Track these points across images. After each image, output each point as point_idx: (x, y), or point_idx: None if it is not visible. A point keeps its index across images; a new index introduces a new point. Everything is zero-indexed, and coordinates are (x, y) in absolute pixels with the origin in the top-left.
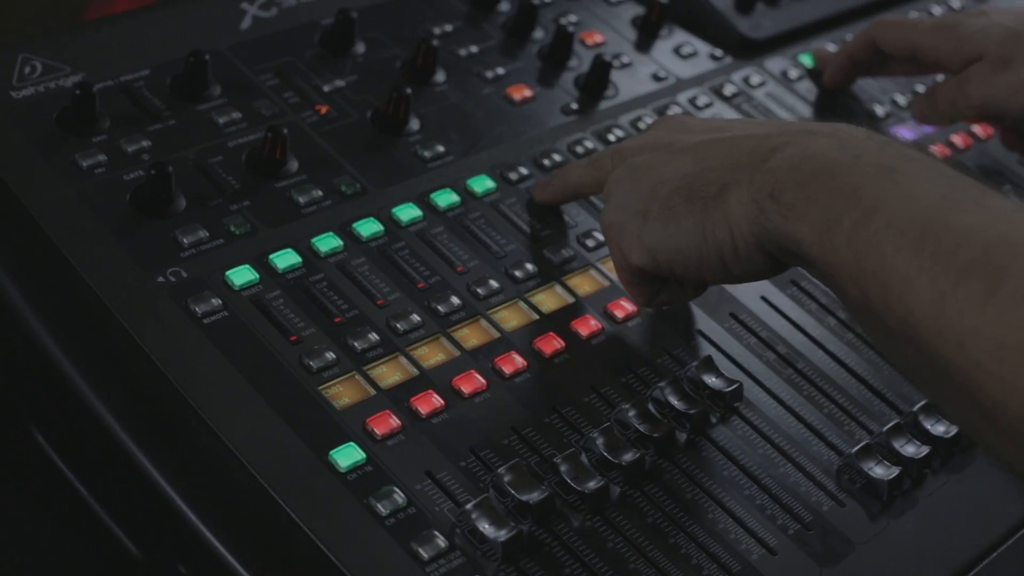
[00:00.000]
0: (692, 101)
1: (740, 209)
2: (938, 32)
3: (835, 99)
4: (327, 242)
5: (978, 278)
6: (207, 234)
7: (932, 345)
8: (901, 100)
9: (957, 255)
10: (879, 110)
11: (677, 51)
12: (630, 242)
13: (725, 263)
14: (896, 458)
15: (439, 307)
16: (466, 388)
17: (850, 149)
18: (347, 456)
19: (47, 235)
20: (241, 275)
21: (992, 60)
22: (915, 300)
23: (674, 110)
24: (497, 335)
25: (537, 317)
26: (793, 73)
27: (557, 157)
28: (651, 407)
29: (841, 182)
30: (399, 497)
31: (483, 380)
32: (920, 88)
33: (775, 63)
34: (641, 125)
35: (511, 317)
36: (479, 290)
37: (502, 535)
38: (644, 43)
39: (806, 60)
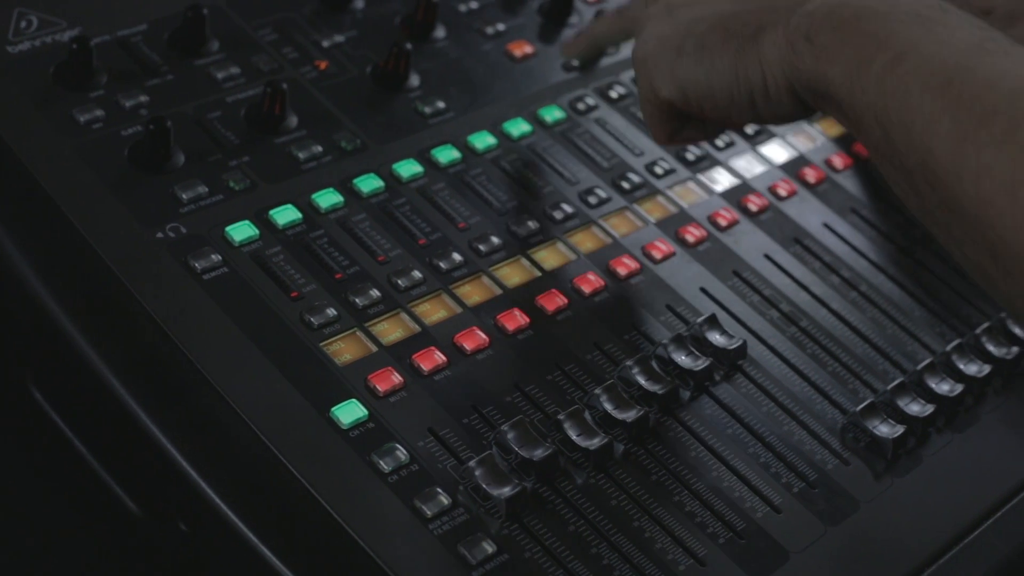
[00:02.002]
0: None
1: (774, 50)
2: None
3: None
4: (327, 198)
5: (1000, 120)
6: (206, 190)
7: (947, 183)
8: None
9: (982, 98)
10: None
11: None
12: (662, 76)
13: (755, 103)
14: (901, 416)
15: (440, 263)
16: (468, 345)
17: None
18: (349, 413)
19: (45, 191)
20: (241, 231)
21: (999, 16)
22: (935, 139)
23: None
24: (499, 291)
25: (539, 274)
26: None
27: (558, 114)
28: (655, 364)
29: (876, 26)
30: (402, 454)
31: (485, 337)
32: None
33: None
34: None
35: (513, 274)
36: (481, 247)
37: (505, 492)
38: None
39: None
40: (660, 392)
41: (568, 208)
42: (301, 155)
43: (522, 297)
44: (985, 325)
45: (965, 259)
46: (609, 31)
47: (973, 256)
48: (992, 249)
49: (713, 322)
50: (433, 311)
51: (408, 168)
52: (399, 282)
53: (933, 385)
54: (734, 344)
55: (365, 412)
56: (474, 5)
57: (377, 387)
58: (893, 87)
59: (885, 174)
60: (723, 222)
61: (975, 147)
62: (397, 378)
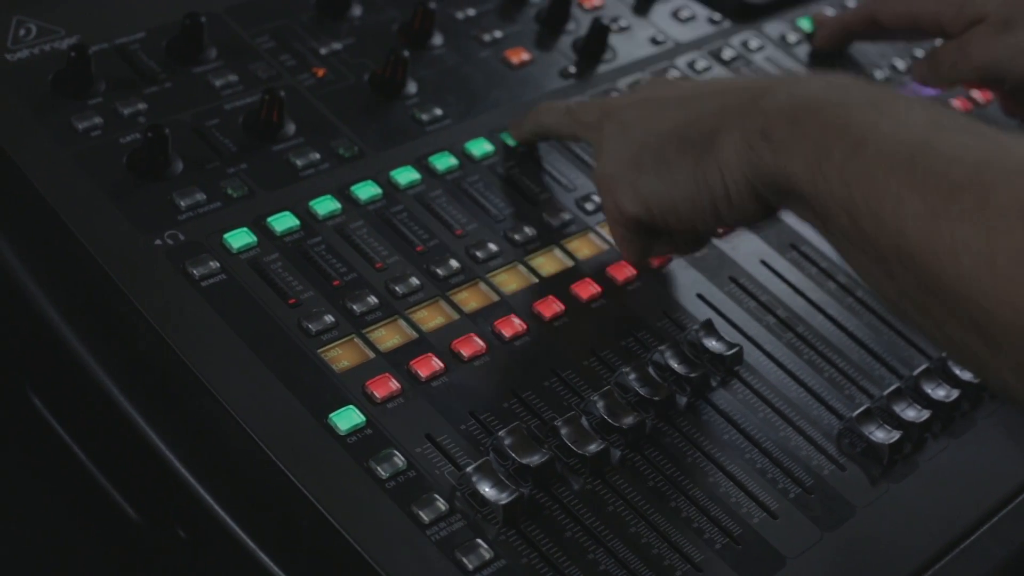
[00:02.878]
0: (691, 65)
1: (732, 152)
2: None
3: (833, 64)
4: (325, 205)
5: (969, 193)
6: (204, 197)
7: (924, 263)
8: (900, 65)
9: (948, 174)
10: (878, 74)
11: (675, 15)
12: (624, 194)
13: (718, 210)
14: (897, 422)
15: (438, 270)
16: (466, 351)
17: (838, 88)
18: (347, 419)
19: (43, 198)
20: (239, 238)
21: (994, 22)
22: (906, 220)
23: (672, 74)
24: (496, 298)
25: (536, 280)
26: (792, 37)
27: None
28: (651, 370)
29: (831, 117)
30: (399, 460)
31: (483, 343)
32: (919, 53)
33: (773, 27)
34: None
35: (510, 280)
36: (478, 253)
37: (503, 498)
38: (642, 7)
39: (805, 24)
40: (657, 398)
41: (565, 215)
42: (299, 162)
43: (519, 304)
44: None
45: (948, 341)
46: (557, 127)
47: (957, 336)
48: (977, 325)
49: (709, 328)
50: (430, 318)
51: (405, 175)
52: (396, 289)
53: (929, 391)
54: (730, 350)
55: (363, 418)
56: (471, 12)
57: (375, 393)
58: (857, 173)
59: (855, 265)
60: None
61: (948, 223)
62: (395, 384)
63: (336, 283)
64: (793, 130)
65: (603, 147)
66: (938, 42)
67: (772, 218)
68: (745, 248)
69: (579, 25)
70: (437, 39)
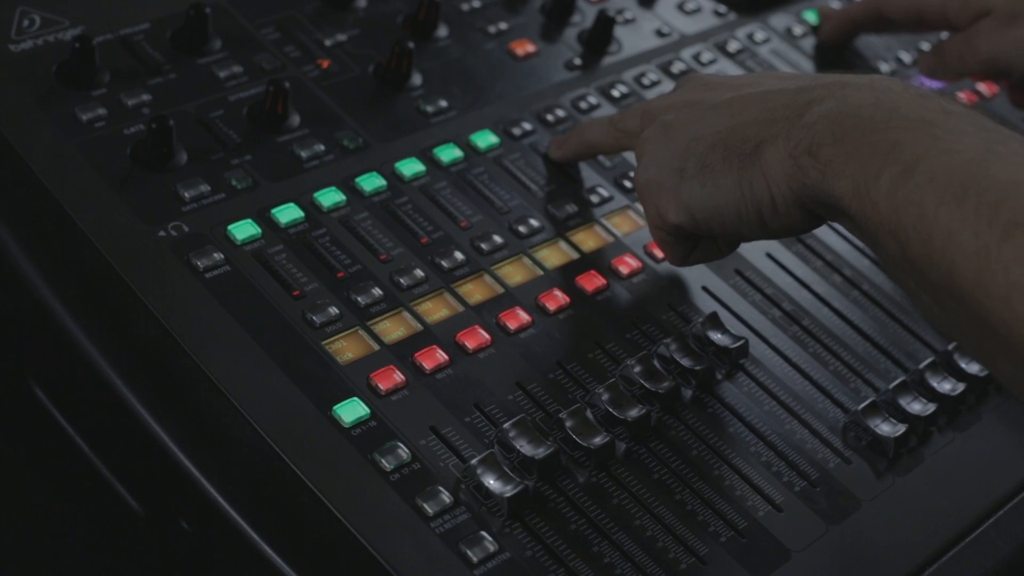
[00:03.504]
0: (696, 57)
1: (778, 166)
2: None
3: (839, 56)
4: (329, 197)
5: (1023, 232)
6: (208, 188)
7: (976, 300)
8: (906, 58)
9: (1000, 209)
10: (884, 67)
11: (681, 7)
12: (667, 201)
13: (763, 219)
14: (902, 416)
15: (443, 262)
16: (470, 343)
17: (887, 103)
18: (351, 411)
19: (47, 189)
20: (243, 229)
21: (1000, 15)
22: (958, 255)
23: (678, 67)
24: (501, 290)
25: (541, 273)
26: (797, 30)
27: (560, 112)
28: (656, 363)
29: (880, 137)
30: (403, 452)
31: (487, 335)
32: (925, 46)
33: (779, 19)
34: (645, 81)
35: (515, 273)
36: (483, 245)
37: (507, 491)
38: None
39: (810, 17)
40: (662, 391)
41: (570, 207)
42: (303, 154)
43: (524, 296)
44: None
45: (1001, 374)
46: (601, 140)
47: (1009, 370)
48: None
49: (715, 321)
50: (435, 310)
51: (410, 167)
52: (401, 281)
53: (935, 384)
54: (736, 343)
55: (367, 411)
56: (476, 4)
57: (379, 386)
58: (906, 201)
59: (905, 288)
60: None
61: (1001, 264)
62: (399, 377)
63: (340, 275)
64: (840, 149)
65: (644, 152)
66: (944, 35)
67: (818, 226)
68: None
69: (584, 17)
70: (442, 31)
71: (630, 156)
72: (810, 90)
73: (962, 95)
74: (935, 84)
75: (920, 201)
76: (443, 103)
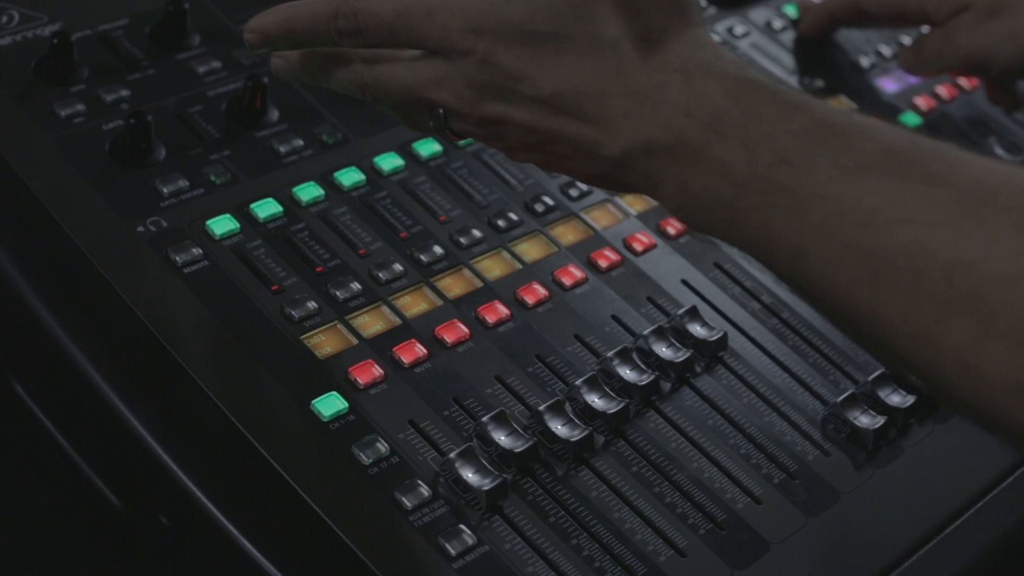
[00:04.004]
0: None
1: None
2: None
3: (819, 50)
4: (308, 191)
5: (966, 316)
6: (187, 184)
7: (930, 374)
8: (886, 51)
9: (933, 290)
10: (864, 61)
11: None
12: None
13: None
14: (881, 407)
15: (421, 256)
16: (449, 337)
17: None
18: (330, 406)
19: (26, 185)
20: (222, 224)
21: (979, 10)
22: (895, 335)
23: None
24: (480, 284)
25: (520, 267)
26: (777, 23)
27: None
28: (636, 356)
29: (743, 221)
30: (382, 446)
31: (466, 329)
32: (905, 40)
33: (759, 13)
34: None
35: (494, 267)
36: (462, 239)
37: (486, 484)
38: None
39: (790, 10)
40: (641, 384)
41: (549, 200)
42: (282, 149)
43: (503, 289)
44: None
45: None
46: None
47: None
48: (998, 430)
49: (694, 314)
50: (414, 304)
51: (389, 161)
52: (380, 275)
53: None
54: (715, 336)
55: (346, 405)
56: None
57: (358, 380)
58: (810, 280)
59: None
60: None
61: (950, 348)
62: (378, 370)
63: (319, 269)
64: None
65: None
66: (924, 29)
67: None
68: None
69: None
70: None
71: None
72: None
73: (941, 89)
74: (913, 80)
75: (830, 280)
76: None
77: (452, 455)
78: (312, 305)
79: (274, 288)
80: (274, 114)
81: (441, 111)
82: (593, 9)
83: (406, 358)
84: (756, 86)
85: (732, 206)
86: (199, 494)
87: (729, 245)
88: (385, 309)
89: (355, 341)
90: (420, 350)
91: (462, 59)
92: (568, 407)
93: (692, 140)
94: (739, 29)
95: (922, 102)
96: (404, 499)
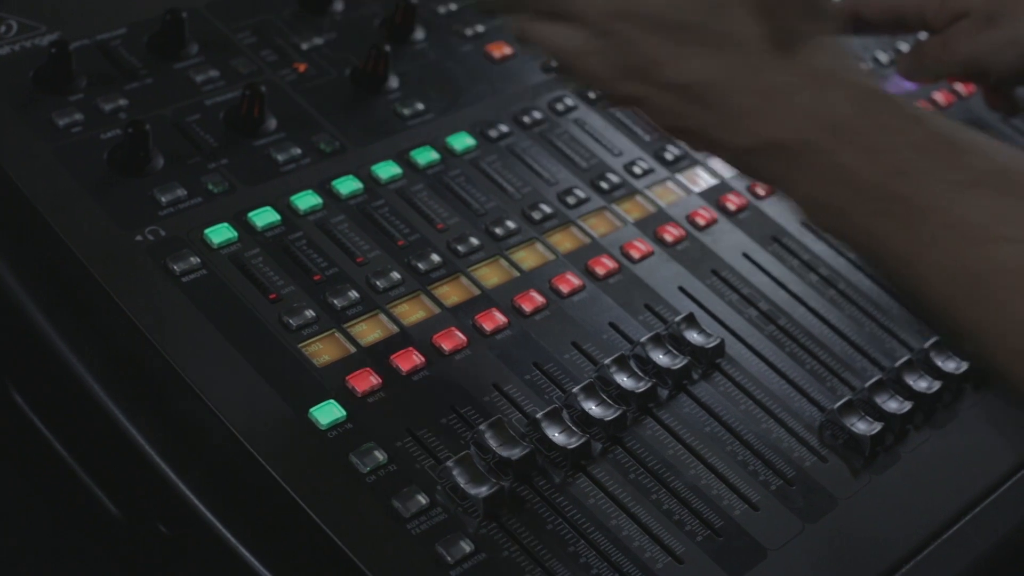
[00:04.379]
0: None
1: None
2: None
3: None
4: (306, 200)
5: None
6: (185, 192)
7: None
8: (883, 58)
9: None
10: (861, 67)
11: None
12: None
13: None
14: (878, 414)
15: (419, 264)
16: (447, 345)
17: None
18: (327, 414)
19: (24, 194)
20: (220, 233)
21: (977, 17)
22: (994, 350)
23: None
24: (477, 292)
25: (518, 274)
26: None
27: (537, 115)
28: (633, 363)
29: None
30: (380, 454)
31: (464, 337)
32: (903, 46)
33: None
34: None
35: (491, 274)
36: (459, 247)
37: (483, 491)
38: None
39: None
40: (638, 391)
41: (547, 208)
42: (280, 157)
43: (500, 297)
44: None
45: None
46: None
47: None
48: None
49: (691, 321)
50: (411, 312)
51: (387, 170)
52: (377, 283)
53: (911, 382)
54: (712, 343)
55: (343, 413)
56: (453, 7)
57: (355, 388)
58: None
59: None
60: (702, 221)
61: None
62: (375, 379)
63: (317, 278)
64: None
65: None
66: (922, 36)
67: None
68: (727, 241)
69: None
70: (419, 34)
71: (607, 158)
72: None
73: (939, 95)
74: (911, 86)
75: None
76: (420, 106)
77: (450, 463)
78: (310, 313)
79: (272, 296)
80: (272, 123)
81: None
82: (730, 6)
83: (404, 366)
84: (880, 97)
85: (848, 210)
86: (197, 503)
87: (840, 244)
88: (383, 317)
89: (353, 349)
90: (418, 358)
91: (605, 38)
92: (565, 414)
93: (816, 144)
94: None
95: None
96: (402, 507)
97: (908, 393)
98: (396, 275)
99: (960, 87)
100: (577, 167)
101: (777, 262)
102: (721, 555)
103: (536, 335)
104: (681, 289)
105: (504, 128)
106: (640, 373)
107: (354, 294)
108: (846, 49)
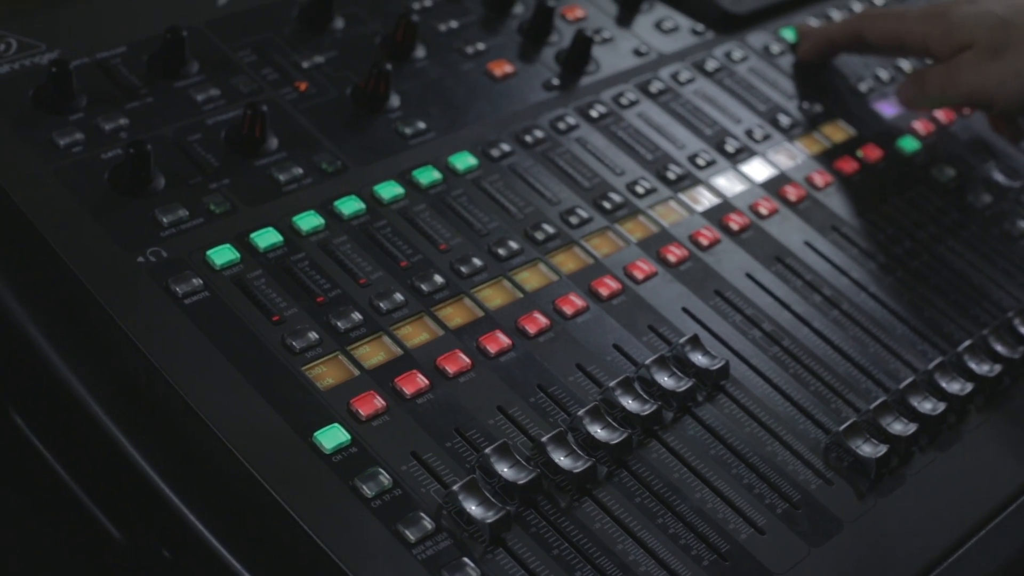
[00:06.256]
0: (674, 76)
1: None
2: (927, 20)
3: (818, 74)
4: (308, 220)
5: None
6: (187, 213)
7: None
8: (884, 75)
9: None
10: (862, 86)
11: (658, 26)
12: None
13: None
14: (884, 436)
15: (422, 286)
16: (451, 368)
17: None
18: (332, 438)
19: (24, 215)
20: (222, 255)
21: (982, 49)
22: None
23: (656, 86)
24: (481, 314)
25: (521, 295)
26: (775, 48)
27: (539, 133)
28: (637, 386)
29: None
30: (385, 479)
31: (468, 359)
32: (904, 65)
33: (757, 38)
34: (623, 101)
35: (495, 295)
36: (462, 268)
37: (489, 516)
38: (625, 18)
39: (788, 35)
40: (643, 414)
41: (549, 228)
42: (282, 177)
43: (504, 319)
44: (967, 343)
45: None
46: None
47: None
48: None
49: (695, 342)
50: (415, 334)
51: (389, 190)
52: (381, 305)
53: (916, 404)
54: (716, 364)
55: (348, 437)
56: (454, 24)
57: (359, 411)
58: None
59: None
60: (705, 241)
61: None
62: (379, 402)
63: (320, 299)
64: None
65: None
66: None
67: None
68: (730, 261)
69: (562, 37)
70: (420, 52)
71: (609, 178)
72: None
73: (939, 113)
74: (898, 109)
75: None
76: (421, 125)
77: (455, 487)
78: (313, 336)
79: (275, 319)
80: (273, 142)
81: None
82: None
83: (408, 389)
84: None
85: None
86: (200, 527)
87: None
88: (386, 339)
89: (357, 372)
90: (422, 381)
91: None
92: (570, 438)
93: None
94: (737, 54)
95: (920, 126)
96: (407, 532)
97: (913, 415)
98: (399, 297)
99: None
100: (579, 186)
101: (780, 282)
102: None
103: (540, 357)
104: (685, 310)
105: (506, 147)
106: (645, 396)
107: (357, 316)
108: None
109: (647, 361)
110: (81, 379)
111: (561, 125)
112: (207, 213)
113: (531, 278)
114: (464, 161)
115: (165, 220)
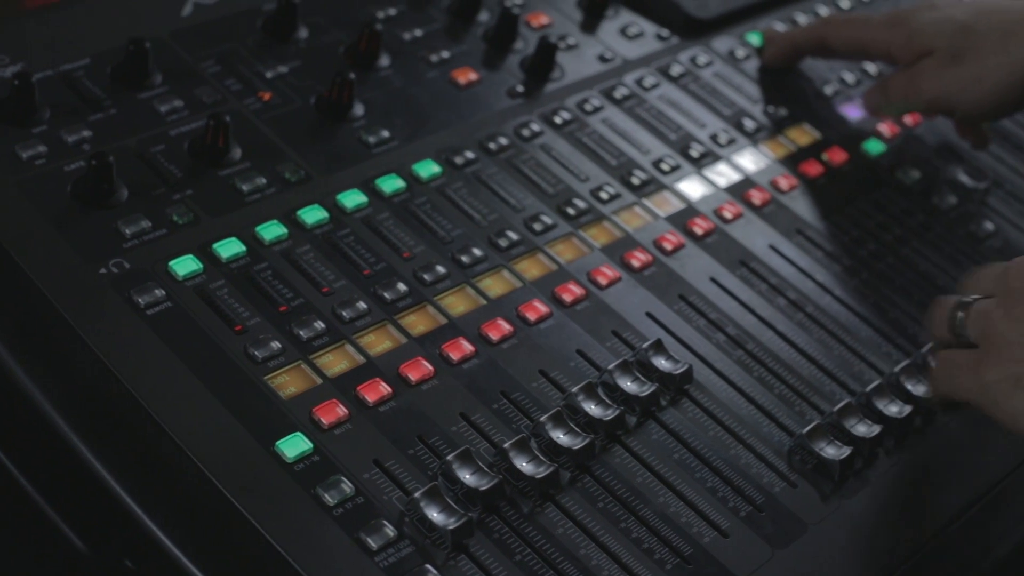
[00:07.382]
0: (639, 82)
1: None
2: (889, 27)
3: (782, 78)
4: (271, 230)
5: None
6: (150, 224)
7: None
8: (849, 79)
9: None
10: (827, 90)
11: (623, 32)
12: None
13: None
14: (847, 438)
15: (385, 294)
16: (413, 375)
17: None
18: (294, 446)
19: None
20: (184, 265)
21: (943, 55)
22: None
23: (620, 92)
24: (444, 321)
25: (485, 302)
26: (740, 52)
27: (503, 140)
28: (600, 391)
29: None
30: (347, 487)
31: (430, 367)
32: (870, 68)
33: (722, 43)
34: (587, 107)
35: (458, 303)
36: (425, 276)
37: (451, 523)
38: (590, 24)
39: (754, 39)
40: (606, 419)
41: (513, 235)
42: (245, 187)
43: (467, 326)
44: (932, 345)
45: None
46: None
47: None
48: None
49: (659, 347)
50: (378, 342)
51: (352, 198)
52: (344, 313)
53: (882, 407)
54: (680, 369)
55: (310, 445)
56: (418, 33)
57: (322, 420)
58: None
59: None
60: (669, 246)
61: None
62: (342, 410)
63: (283, 309)
64: None
65: None
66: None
67: None
68: (694, 266)
69: (527, 44)
70: (384, 60)
71: (574, 184)
72: None
73: (906, 116)
74: (863, 113)
75: None
76: (385, 133)
77: (417, 494)
78: (276, 345)
79: (237, 328)
80: (236, 152)
81: None
82: None
83: (370, 397)
84: None
85: None
86: (163, 538)
87: None
88: (349, 348)
89: (319, 381)
90: (384, 389)
91: None
92: (533, 444)
93: None
94: (702, 59)
95: (886, 129)
96: (369, 540)
97: (878, 417)
98: (362, 305)
99: None
100: (543, 193)
101: (745, 286)
102: None
103: (503, 363)
104: (648, 315)
105: (470, 155)
106: (608, 401)
107: (320, 325)
108: None
109: (610, 366)
110: (43, 390)
111: (525, 132)
112: (170, 224)
113: (494, 285)
114: (428, 169)
115: (128, 231)
